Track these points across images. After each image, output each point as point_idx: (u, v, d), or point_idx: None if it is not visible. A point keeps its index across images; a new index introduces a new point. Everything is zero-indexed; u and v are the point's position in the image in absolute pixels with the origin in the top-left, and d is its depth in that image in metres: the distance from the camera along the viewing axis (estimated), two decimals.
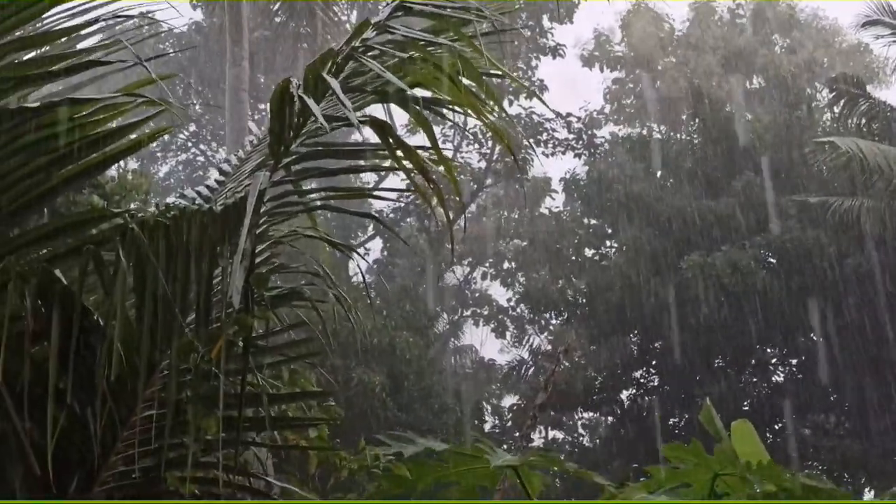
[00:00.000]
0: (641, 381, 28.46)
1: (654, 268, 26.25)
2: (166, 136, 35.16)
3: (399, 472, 3.07)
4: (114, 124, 4.63)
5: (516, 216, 37.05)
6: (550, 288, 28.94)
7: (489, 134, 28.19)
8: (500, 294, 36.72)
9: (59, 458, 4.00)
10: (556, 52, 34.45)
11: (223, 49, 21.21)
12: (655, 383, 28.31)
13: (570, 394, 26.45)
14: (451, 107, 4.70)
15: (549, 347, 31.34)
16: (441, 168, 4.64)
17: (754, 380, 27.11)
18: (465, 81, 4.35)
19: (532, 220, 34.17)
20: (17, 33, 4.51)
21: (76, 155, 4.54)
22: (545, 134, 34.21)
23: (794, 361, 27.40)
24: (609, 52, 36.67)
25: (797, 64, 31.84)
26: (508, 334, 35.86)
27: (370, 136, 4.54)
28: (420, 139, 4.65)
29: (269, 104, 4.36)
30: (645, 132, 32.21)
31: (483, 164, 35.33)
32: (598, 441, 29.48)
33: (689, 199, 26.98)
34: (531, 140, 32.82)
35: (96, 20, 4.66)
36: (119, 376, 3.95)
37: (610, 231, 30.66)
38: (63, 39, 4.75)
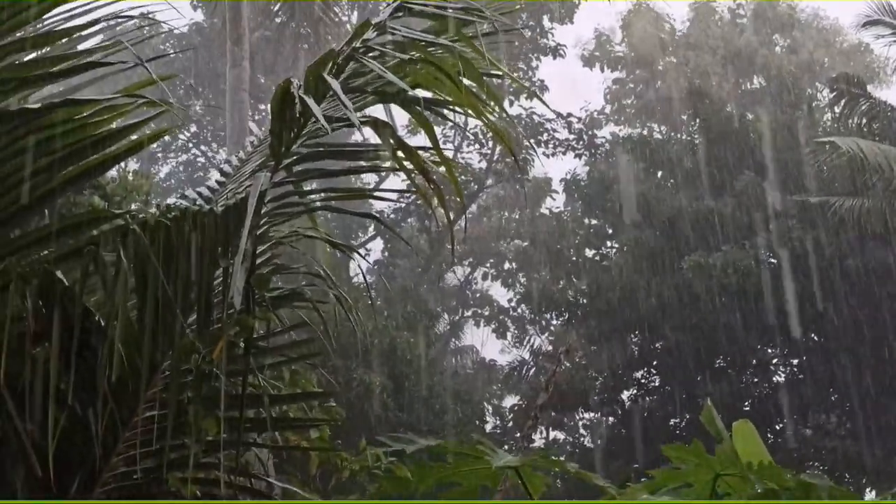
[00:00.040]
0: (642, 381, 28.46)
1: (655, 268, 26.25)
2: (167, 137, 35.20)
3: (400, 473, 3.08)
4: (115, 125, 4.63)
5: (517, 216, 37.07)
6: (551, 288, 28.94)
7: (490, 134, 28.20)
8: (500, 294, 36.77)
9: (61, 459, 4.00)
10: (556, 52, 34.46)
11: (223, 50, 21.20)
12: (656, 384, 28.30)
13: (571, 394, 26.45)
14: (451, 107, 4.71)
15: (550, 348, 31.35)
16: (442, 168, 4.64)
17: (755, 380, 27.11)
18: (466, 82, 4.35)
19: (533, 220, 34.18)
20: (18, 34, 4.52)
21: (77, 156, 4.54)
22: (546, 134, 34.22)
23: (794, 362, 27.39)
24: (609, 52, 36.65)
25: (798, 64, 31.85)
26: (509, 335, 35.88)
27: (370, 136, 4.54)
28: (420, 140, 4.65)
29: (269, 105, 4.36)
30: (645, 132, 32.20)
31: (484, 165, 35.36)
32: (599, 442, 29.47)
33: (690, 199, 26.98)
34: (532, 140, 32.83)
35: (97, 21, 4.66)
36: (120, 377, 3.95)
37: (611, 231, 30.66)
38: (64, 40, 4.75)
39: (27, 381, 3.90)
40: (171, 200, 5.41)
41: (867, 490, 24.42)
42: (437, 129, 4.53)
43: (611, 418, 29.02)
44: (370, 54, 4.37)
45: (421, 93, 4.44)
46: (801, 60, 32.78)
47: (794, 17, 36.08)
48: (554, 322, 31.45)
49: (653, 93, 35.54)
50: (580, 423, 30.98)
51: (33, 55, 4.68)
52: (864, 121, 23.92)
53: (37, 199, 4.53)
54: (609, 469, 24.74)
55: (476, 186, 34.86)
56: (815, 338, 26.07)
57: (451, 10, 4.51)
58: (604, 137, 34.50)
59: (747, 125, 27.89)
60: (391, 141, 4.38)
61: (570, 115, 34.57)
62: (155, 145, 32.43)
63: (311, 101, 4.05)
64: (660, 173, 29.33)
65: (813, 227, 24.43)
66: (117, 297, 3.92)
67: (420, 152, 4.42)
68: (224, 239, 4.27)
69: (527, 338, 34.28)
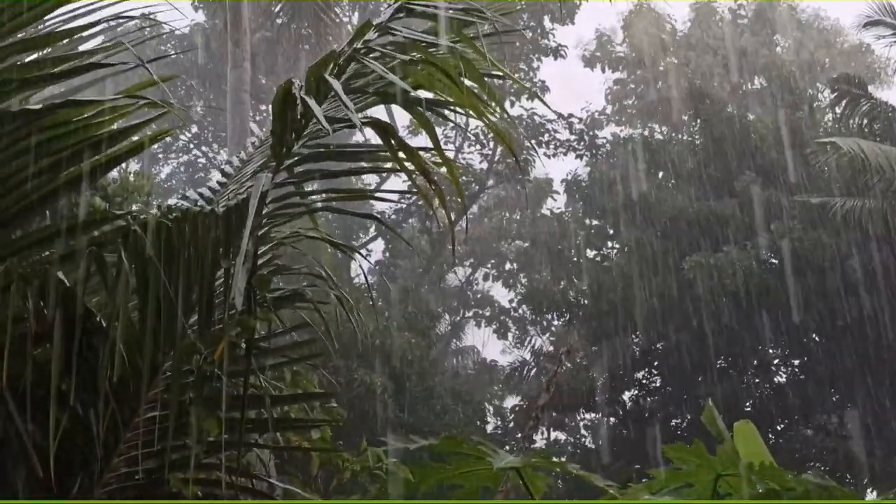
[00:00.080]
0: (643, 382, 28.44)
1: (656, 269, 26.24)
2: (168, 138, 35.18)
3: (402, 474, 3.08)
4: (116, 126, 4.63)
5: (518, 217, 37.08)
6: (552, 289, 28.93)
7: (491, 135, 28.20)
8: (501, 295, 36.78)
9: (62, 460, 4.00)
10: (557, 52, 34.45)
11: (225, 51, 21.19)
12: (657, 384, 28.29)
13: (572, 395, 26.45)
14: (452, 108, 4.71)
15: (551, 348, 31.36)
16: (443, 169, 4.64)
17: (756, 380, 27.09)
18: (467, 83, 4.35)
19: (534, 221, 34.18)
20: (20, 35, 4.52)
21: (78, 157, 4.54)
22: (547, 135, 34.23)
23: (796, 362, 27.38)
24: (611, 52, 36.65)
25: (799, 64, 31.83)
26: (510, 335, 35.90)
27: (371, 137, 4.54)
28: (421, 141, 4.65)
29: (271, 106, 4.36)
30: (647, 133, 32.19)
31: (485, 165, 35.36)
32: (600, 442, 29.46)
33: (691, 199, 26.97)
34: (533, 141, 32.83)
35: (98, 22, 4.66)
36: (122, 378, 3.95)
37: (612, 232, 30.64)
38: (65, 41, 4.75)
39: (28, 381, 3.90)
40: (172, 201, 5.41)
41: (868, 490, 24.40)
42: (438, 130, 4.54)
43: (612, 419, 29.01)
44: (371, 55, 4.37)
45: (422, 94, 4.44)
46: (802, 61, 32.78)
47: (794, 17, 36.08)
48: (555, 322, 31.45)
49: (654, 93, 35.53)
50: (581, 423, 30.97)
51: (34, 56, 4.68)
52: (865, 121, 23.92)
53: (38, 200, 4.53)
54: (610, 470, 24.71)
55: (477, 187, 34.86)
56: (817, 338, 26.06)
57: (451, 12, 4.51)
58: (605, 138, 34.50)
59: (748, 126, 27.89)
60: (392, 142, 4.38)
61: (570, 115, 34.59)
62: (156, 146, 32.41)
63: (312, 102, 4.05)
64: (661, 174, 29.32)
65: (814, 228, 24.42)
66: (118, 297, 3.93)
67: (421, 153, 4.42)
68: (225, 240, 4.27)
69: (528, 338, 34.31)
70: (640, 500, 2.58)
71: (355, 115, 3.99)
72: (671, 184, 28.83)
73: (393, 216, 33.50)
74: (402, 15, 4.56)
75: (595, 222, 31.42)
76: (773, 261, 25.12)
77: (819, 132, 26.74)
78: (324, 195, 5.51)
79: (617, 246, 30.03)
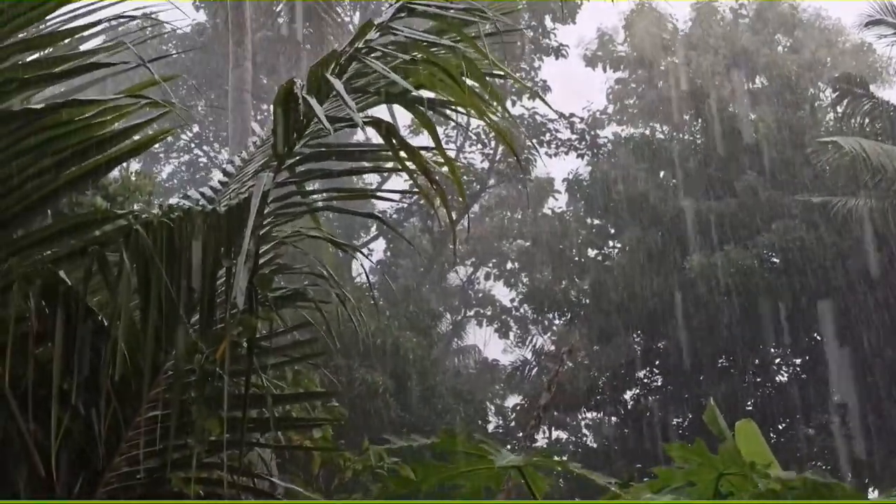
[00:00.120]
0: (645, 381, 28.45)
1: (657, 268, 26.24)
2: (169, 137, 35.17)
3: (404, 473, 3.07)
4: (117, 126, 4.63)
5: (519, 216, 37.08)
6: (553, 288, 28.94)
7: (492, 134, 28.20)
8: (503, 294, 36.79)
9: (64, 459, 4.01)
10: (558, 52, 34.44)
11: (226, 50, 21.19)
12: (659, 383, 28.30)
13: (573, 394, 26.45)
14: (454, 108, 4.71)
15: (553, 347, 31.36)
16: (444, 168, 4.64)
17: (758, 380, 27.09)
18: (469, 82, 4.35)
19: (535, 220, 34.18)
20: (21, 35, 4.52)
21: (80, 157, 4.54)
22: (548, 134, 34.23)
23: (797, 361, 27.38)
24: (612, 51, 36.63)
25: (800, 64, 31.81)
26: (512, 334, 35.91)
27: (372, 136, 4.54)
28: (423, 140, 4.65)
29: (272, 105, 4.36)
30: (648, 132, 32.18)
31: (486, 165, 35.35)
32: (602, 441, 29.47)
33: (692, 198, 26.96)
34: (534, 140, 32.83)
35: (99, 22, 4.66)
36: (123, 377, 3.96)
37: (613, 231, 30.64)
38: (66, 41, 4.75)
39: (30, 381, 3.90)
40: (173, 200, 5.41)
41: (870, 489, 24.40)
42: (440, 130, 4.55)
43: (613, 418, 29.02)
44: (373, 55, 4.37)
45: (423, 93, 4.44)
46: (804, 60, 32.74)
47: (796, 16, 36.05)
48: (556, 322, 31.46)
49: (655, 93, 35.51)
50: (583, 422, 30.99)
51: (36, 56, 4.68)
52: (867, 121, 23.92)
53: (40, 200, 4.53)
54: (612, 469, 24.71)
55: (478, 186, 34.86)
56: (818, 337, 26.05)
57: (453, 11, 4.51)
58: (606, 137, 34.51)
59: (750, 125, 27.87)
60: (394, 141, 4.38)
61: (572, 115, 34.58)
62: (157, 145, 32.42)
63: (314, 102, 4.05)
64: (662, 173, 29.31)
65: (815, 227, 24.42)
66: (120, 297, 3.93)
67: (422, 152, 4.42)
68: (227, 239, 4.27)
69: (529, 337, 34.32)
70: (642, 498, 2.58)
71: (357, 115, 3.99)
72: (672, 183, 28.82)
73: (394, 215, 33.50)
74: (403, 14, 4.55)
75: (596, 222, 31.43)
76: (775, 260, 25.11)
77: (820, 131, 26.73)
78: (325, 194, 5.51)
79: (618, 245, 30.03)
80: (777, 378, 27.51)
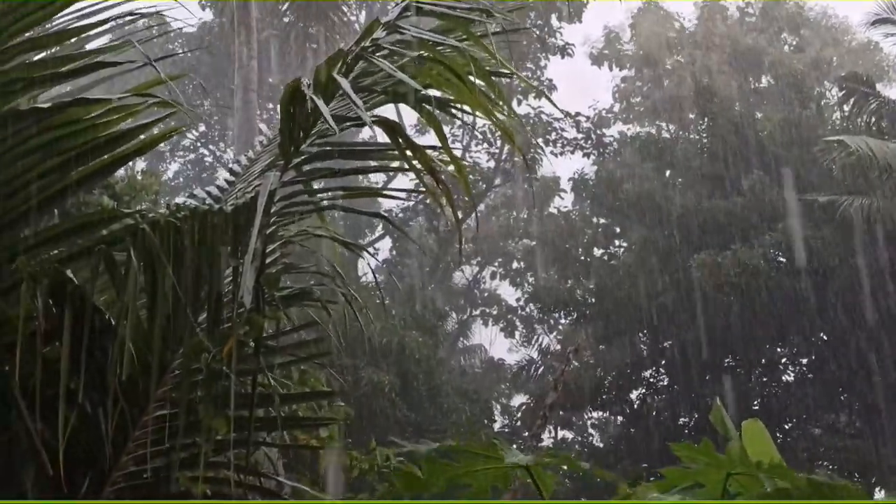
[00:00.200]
0: (651, 380, 28.44)
1: (663, 267, 26.23)
2: (175, 136, 35.21)
3: (411, 473, 3.07)
4: (124, 125, 4.63)
5: (525, 216, 37.09)
6: (559, 287, 28.94)
7: (498, 133, 28.20)
8: (509, 294, 36.83)
9: (71, 458, 4.00)
10: (564, 51, 34.43)
11: (232, 49, 21.21)
12: (665, 383, 28.28)
13: (579, 393, 26.45)
14: (460, 107, 4.70)
15: (559, 347, 31.37)
16: (451, 168, 4.64)
17: (764, 379, 27.07)
18: (475, 81, 4.35)
19: (541, 219, 34.19)
20: (27, 34, 4.52)
21: (87, 156, 4.54)
22: (554, 133, 34.22)
23: (804, 361, 27.35)
24: (618, 50, 36.63)
25: (806, 62, 31.79)
26: (517, 334, 35.95)
27: (378, 135, 4.54)
28: (429, 139, 4.65)
29: (279, 104, 4.36)
30: (654, 131, 32.17)
31: (492, 164, 35.36)
32: (608, 441, 29.47)
33: (699, 198, 26.95)
34: (540, 140, 32.84)
35: (106, 21, 4.66)
36: (130, 376, 3.96)
37: (619, 230, 30.64)
38: (72, 40, 4.75)
39: (38, 380, 3.90)
40: (180, 200, 5.41)
41: (877, 489, 24.37)
42: (446, 129, 4.54)
43: (619, 417, 29.02)
44: (379, 53, 4.37)
45: (430, 92, 4.44)
46: (810, 59, 32.73)
47: (802, 15, 36.03)
48: (562, 321, 31.47)
49: (661, 91, 35.51)
50: (589, 422, 31.01)
51: (42, 55, 4.68)
52: (873, 119, 23.89)
53: (47, 199, 4.53)
54: (618, 468, 24.70)
55: (484, 186, 34.87)
56: (825, 336, 26.02)
57: (459, 10, 4.51)
58: (612, 136, 34.50)
59: (756, 124, 27.85)
60: (400, 140, 4.38)
61: (578, 114, 34.57)
62: (163, 144, 32.46)
63: (319, 101, 4.05)
64: (668, 172, 29.30)
65: (821, 226, 24.38)
66: (127, 296, 3.93)
67: (429, 151, 4.42)
68: (234, 238, 4.27)
69: (535, 337, 34.33)
70: (651, 498, 2.58)
71: (365, 114, 3.99)
72: (678, 182, 28.81)
73: (400, 215, 33.53)
74: (409, 13, 4.55)
75: (602, 221, 31.45)
76: (781, 259, 25.08)
77: (827, 130, 26.70)
78: (331, 193, 5.51)
79: (624, 244, 30.04)
80: (783, 378, 27.48)
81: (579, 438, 30.66)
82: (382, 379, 20.51)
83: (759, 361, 26.91)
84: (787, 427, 26.11)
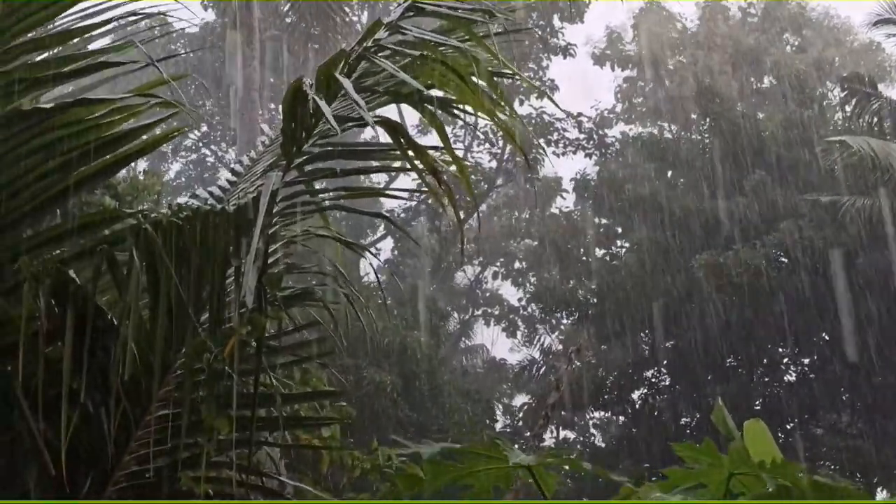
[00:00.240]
0: (653, 380, 28.42)
1: (665, 267, 26.22)
2: (176, 136, 35.18)
3: (412, 472, 3.07)
4: (126, 126, 4.64)
5: (527, 216, 37.08)
6: (561, 287, 28.93)
7: (500, 133, 28.19)
8: (510, 294, 36.81)
9: (73, 458, 4.01)
10: (566, 51, 34.42)
11: (234, 49, 21.23)
12: (667, 383, 28.27)
13: (581, 393, 26.44)
14: (462, 108, 4.71)
15: (560, 347, 31.35)
16: (453, 168, 4.64)
17: (766, 379, 27.06)
18: (477, 82, 4.35)
19: (543, 219, 34.18)
20: (30, 35, 4.53)
21: (89, 156, 4.55)
22: (556, 134, 34.21)
23: (806, 361, 27.33)
24: (620, 50, 36.61)
25: (808, 63, 31.77)
26: (519, 334, 35.92)
27: (380, 135, 4.54)
28: (431, 139, 4.65)
29: (281, 104, 4.36)
30: (656, 131, 32.17)
31: (494, 164, 35.36)
32: (610, 441, 29.46)
33: (700, 198, 26.94)
34: (542, 140, 32.83)
35: (109, 21, 4.67)
36: (133, 376, 3.96)
37: (620, 230, 30.63)
38: (75, 40, 4.76)
39: (40, 379, 3.91)
40: (182, 200, 5.42)
41: (879, 490, 24.36)
42: (448, 129, 4.55)
43: (621, 417, 29.01)
44: (381, 54, 4.37)
45: (432, 92, 4.44)
46: (812, 59, 32.69)
47: (804, 15, 36.01)
48: (564, 321, 31.45)
49: (663, 92, 35.49)
50: (590, 422, 30.98)
51: (45, 55, 4.69)
52: (875, 120, 23.87)
53: (49, 200, 4.54)
54: (619, 468, 24.70)
55: (486, 186, 34.87)
56: (826, 336, 26.01)
57: (461, 11, 4.51)
58: (614, 137, 34.49)
59: (758, 124, 27.84)
60: (402, 141, 4.38)
61: (580, 114, 34.56)
62: (165, 144, 32.45)
63: (321, 102, 4.05)
64: (670, 172, 29.30)
65: (823, 227, 24.37)
66: (130, 296, 3.94)
67: (431, 152, 4.42)
68: (236, 238, 4.27)
69: (537, 337, 34.30)
70: (653, 499, 2.58)
71: (367, 114, 3.99)
72: (680, 182, 28.81)
73: (402, 215, 33.54)
74: (411, 14, 4.56)
75: (604, 221, 31.43)
76: (783, 259, 25.07)
77: (829, 131, 26.69)
78: (333, 193, 5.52)
79: (626, 245, 30.03)
80: (785, 378, 27.47)
81: (581, 438, 30.65)
82: (384, 379, 20.51)
83: (760, 361, 26.90)
84: (788, 427, 26.09)
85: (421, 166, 4.38)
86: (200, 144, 39.16)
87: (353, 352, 19.02)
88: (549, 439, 29.35)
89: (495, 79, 4.51)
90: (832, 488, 2.50)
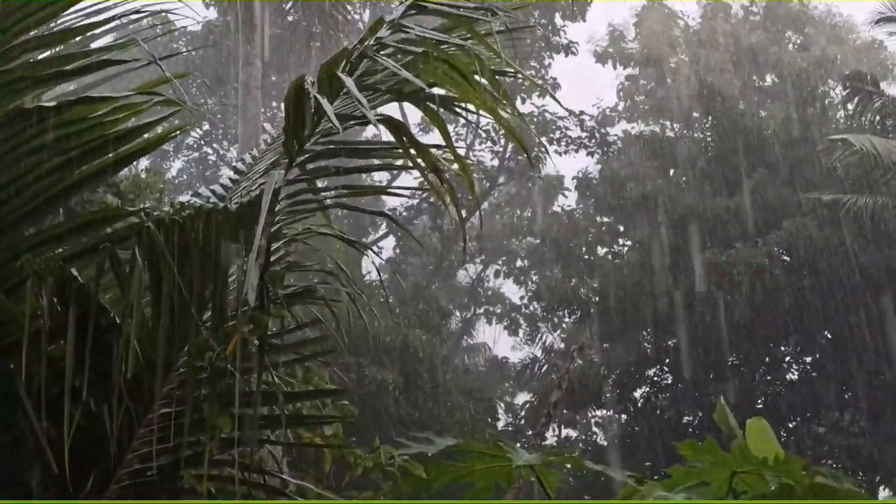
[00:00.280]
0: (655, 379, 28.43)
1: (667, 266, 26.22)
2: (179, 134, 35.18)
3: (415, 472, 3.08)
4: (129, 124, 4.64)
5: (529, 214, 37.06)
6: (563, 286, 28.94)
7: (502, 132, 28.20)
8: (512, 292, 36.81)
9: (76, 456, 4.01)
10: (568, 49, 34.38)
11: (236, 48, 21.22)
12: (669, 381, 28.26)
13: (583, 392, 26.45)
14: (464, 106, 4.70)
15: (563, 345, 31.36)
16: (455, 166, 4.64)
17: (768, 378, 27.05)
18: (479, 80, 4.35)
19: (545, 218, 34.16)
20: (32, 33, 4.53)
21: (92, 154, 4.55)
22: (558, 132, 34.18)
23: (808, 359, 27.33)
24: (623, 48, 36.57)
25: (810, 61, 31.74)
26: (521, 332, 35.91)
27: (382, 133, 4.54)
28: (433, 138, 4.65)
29: (283, 102, 4.36)
30: (658, 130, 32.15)
31: (496, 163, 35.35)
32: (612, 439, 29.46)
33: (702, 196, 26.93)
34: (544, 138, 32.80)
35: (111, 19, 4.67)
36: (135, 374, 3.96)
37: (622, 229, 30.63)
38: (77, 39, 4.76)
39: (43, 378, 3.91)
40: (184, 198, 5.42)
41: (881, 488, 24.36)
42: (449, 127, 4.54)
43: (623, 416, 29.01)
44: (383, 52, 4.37)
45: (434, 90, 4.44)
46: (814, 57, 32.66)
47: (806, 13, 35.97)
48: (566, 319, 31.46)
49: (665, 90, 35.47)
50: (592, 420, 30.98)
51: (47, 53, 4.69)
52: (878, 118, 23.87)
53: (52, 198, 4.54)
54: (622, 467, 24.69)
55: (488, 184, 34.86)
56: (828, 335, 26.00)
57: (463, 9, 4.51)
58: (616, 135, 34.46)
59: (760, 123, 27.83)
60: (404, 139, 4.38)
61: (582, 112, 34.54)
62: (166, 142, 32.44)
63: (323, 101, 4.05)
64: (672, 171, 29.29)
65: (825, 225, 24.37)
66: (132, 294, 3.93)
67: (433, 150, 4.42)
68: (238, 236, 4.27)
69: (539, 335, 34.30)
70: (656, 497, 2.58)
71: (369, 112, 3.99)
72: (682, 181, 28.80)
73: (404, 213, 33.52)
74: (413, 12, 4.55)
75: (606, 219, 31.43)
76: (785, 258, 25.07)
77: (831, 129, 26.67)
78: (335, 192, 5.52)
79: (628, 243, 30.03)
80: (787, 376, 27.46)
81: (583, 437, 30.65)
82: (386, 377, 20.52)
83: (762, 360, 26.90)
84: (791, 426, 26.10)
85: (423, 164, 4.38)
86: (202, 143, 39.17)
87: (355, 350, 19.03)
88: (551, 437, 29.36)
89: (497, 77, 4.51)
90: (834, 490, 2.50)
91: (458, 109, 4.73)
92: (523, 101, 32.80)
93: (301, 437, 6.44)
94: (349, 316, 5.29)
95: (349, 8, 27.23)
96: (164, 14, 5.37)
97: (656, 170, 28.73)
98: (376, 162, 6.27)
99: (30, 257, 4.13)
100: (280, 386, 4.81)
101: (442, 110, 4.57)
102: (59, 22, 4.66)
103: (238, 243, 4.29)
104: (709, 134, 28.95)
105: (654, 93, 36.23)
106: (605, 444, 29.66)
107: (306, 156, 4.68)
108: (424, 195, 27.65)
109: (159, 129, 5.14)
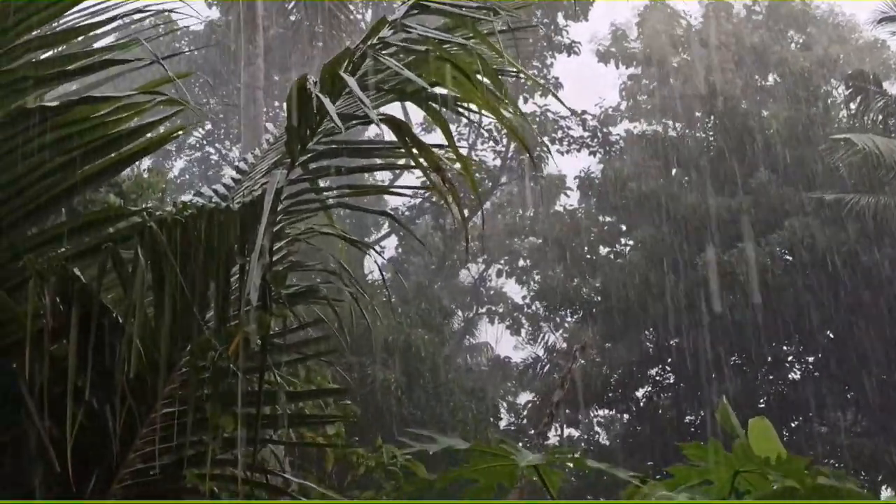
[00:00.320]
0: (657, 378, 28.43)
1: (669, 265, 26.21)
2: (180, 134, 35.18)
3: (417, 471, 3.07)
4: (131, 124, 4.64)
5: (531, 214, 37.04)
6: (565, 285, 28.93)
7: (504, 131, 28.19)
8: (515, 292, 36.79)
9: (78, 456, 4.01)
10: (570, 49, 34.37)
11: (238, 47, 21.22)
12: (671, 381, 28.27)
13: (585, 391, 26.44)
14: (466, 106, 4.70)
15: (565, 345, 31.36)
16: (457, 165, 4.64)
17: (770, 377, 27.05)
18: (482, 79, 4.35)
19: (547, 217, 34.15)
20: (35, 33, 4.53)
21: (94, 154, 4.55)
22: (560, 132, 34.18)
23: (810, 359, 27.32)
24: (625, 48, 36.56)
25: (813, 60, 31.72)
26: (523, 332, 35.89)
27: (384, 133, 4.54)
28: (435, 137, 4.66)
29: (286, 102, 4.36)
30: (660, 129, 32.14)
31: (498, 162, 35.33)
32: (614, 439, 29.46)
33: (705, 196, 26.92)
34: (546, 138, 32.80)
35: (113, 19, 4.67)
36: (138, 374, 3.96)
37: (625, 228, 30.63)
38: (79, 38, 4.76)
39: (45, 377, 3.91)
40: (186, 197, 5.42)
41: (883, 488, 24.35)
42: (452, 127, 4.54)
43: (625, 415, 29.02)
44: (386, 52, 4.37)
45: (436, 90, 4.44)
46: (816, 57, 32.64)
47: (809, 13, 35.96)
48: (568, 319, 31.47)
49: (668, 89, 35.45)
50: (595, 420, 30.98)
51: (49, 53, 4.69)
52: (880, 117, 23.86)
53: (54, 198, 4.54)
54: (624, 466, 24.64)
55: (490, 184, 34.85)
56: (831, 335, 25.99)
57: (465, 9, 4.51)
58: (618, 134, 34.46)
59: (762, 122, 27.82)
60: (407, 139, 4.38)
61: (584, 112, 34.53)
62: (169, 142, 32.44)
63: (326, 100, 4.05)
64: (674, 170, 29.28)
65: (828, 224, 24.36)
66: (135, 293, 3.93)
67: (435, 149, 4.42)
68: (240, 236, 4.27)
69: (541, 335, 34.30)
70: (659, 497, 2.58)
71: (372, 112, 3.99)
72: (685, 180, 28.79)
73: (406, 213, 33.53)
74: (416, 11, 4.55)
75: (608, 219, 31.43)
76: (788, 257, 25.06)
77: (833, 128, 26.66)
78: (337, 191, 5.52)
79: (630, 243, 30.02)
80: (789, 376, 27.46)
81: (585, 436, 30.65)
82: (388, 377, 20.52)
83: (765, 359, 26.89)
84: (793, 425, 26.10)
85: (425, 164, 4.38)
86: (204, 142, 39.18)
87: (358, 350, 19.02)
88: (553, 437, 29.36)
89: (500, 76, 4.51)
90: (836, 490, 2.50)
91: (460, 109, 4.73)
92: (526, 101, 32.80)
93: (304, 436, 6.45)
94: (352, 315, 5.29)
95: (351, 8, 27.23)
96: (166, 13, 5.37)
97: (658, 169, 28.72)
98: (378, 161, 6.27)
99: (32, 257, 4.13)
100: (283, 385, 4.81)
101: (444, 110, 4.57)
102: (61, 22, 4.66)
103: (240, 243, 4.29)
104: (711, 133, 28.94)
105: (657, 92, 36.20)
106: (608, 443, 29.67)
107: (308, 155, 4.68)
108: (427, 195, 27.64)
109: (162, 129, 5.14)
